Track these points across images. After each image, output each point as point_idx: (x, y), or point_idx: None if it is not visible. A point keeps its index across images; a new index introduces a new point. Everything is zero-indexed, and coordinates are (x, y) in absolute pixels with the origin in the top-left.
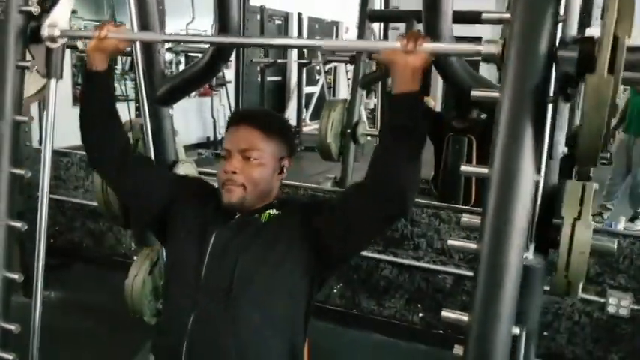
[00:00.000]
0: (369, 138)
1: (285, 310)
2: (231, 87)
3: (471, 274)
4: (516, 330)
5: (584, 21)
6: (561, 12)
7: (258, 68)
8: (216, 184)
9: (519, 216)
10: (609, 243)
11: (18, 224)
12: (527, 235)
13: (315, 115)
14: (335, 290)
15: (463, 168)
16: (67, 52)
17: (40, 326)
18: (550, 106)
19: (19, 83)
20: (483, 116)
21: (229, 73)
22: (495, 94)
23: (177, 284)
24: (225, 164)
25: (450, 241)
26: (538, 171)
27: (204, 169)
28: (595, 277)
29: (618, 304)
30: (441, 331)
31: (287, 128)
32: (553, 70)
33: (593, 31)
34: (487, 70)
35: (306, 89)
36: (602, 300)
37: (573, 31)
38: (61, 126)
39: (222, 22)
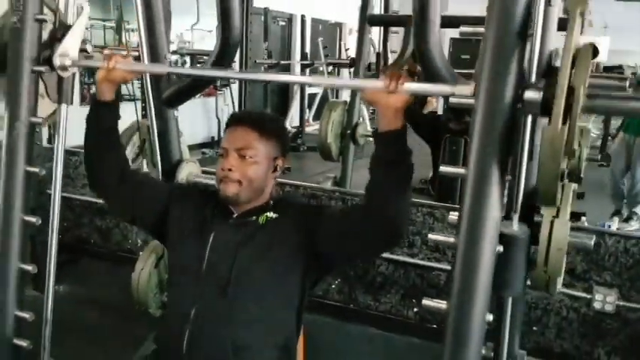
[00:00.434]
0: (369, 139)
1: (279, 306)
2: (235, 87)
3: None
4: (490, 317)
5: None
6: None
7: (262, 69)
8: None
9: (491, 213)
10: (586, 240)
11: (32, 219)
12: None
13: (318, 116)
14: (333, 286)
15: (442, 168)
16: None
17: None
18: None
19: (35, 86)
20: None
21: None
22: (471, 101)
23: (179, 279)
24: (222, 162)
25: (430, 235)
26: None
27: (208, 168)
28: (582, 274)
29: (604, 300)
30: (435, 326)
31: (281, 129)
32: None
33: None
34: None
35: (309, 90)
36: (589, 296)
37: (542, 66)
38: (69, 126)
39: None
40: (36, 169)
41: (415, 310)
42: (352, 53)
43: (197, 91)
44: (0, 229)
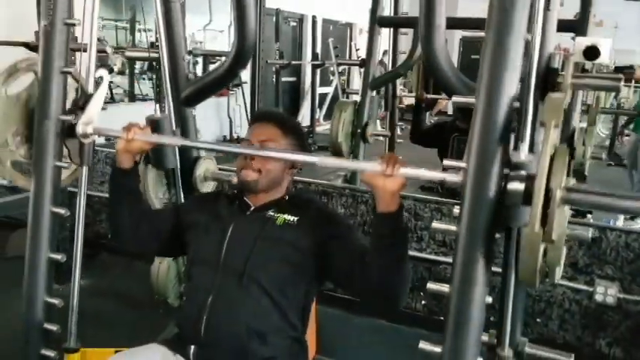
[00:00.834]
0: (380, 138)
1: (289, 298)
2: (247, 87)
3: None
4: (489, 299)
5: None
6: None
7: (274, 69)
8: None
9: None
10: (584, 232)
11: (61, 211)
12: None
13: (329, 115)
14: None
15: (445, 162)
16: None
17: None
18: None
19: (63, 86)
20: None
21: (245, 74)
22: (472, 100)
23: (198, 269)
24: None
25: (433, 224)
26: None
27: (221, 166)
28: (584, 267)
29: (605, 292)
30: (442, 318)
31: (300, 130)
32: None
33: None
34: None
35: (320, 90)
36: (591, 289)
37: (541, 68)
38: None
39: (241, 28)
40: (65, 164)
41: (423, 302)
42: (362, 53)
43: (214, 91)
44: (31, 220)
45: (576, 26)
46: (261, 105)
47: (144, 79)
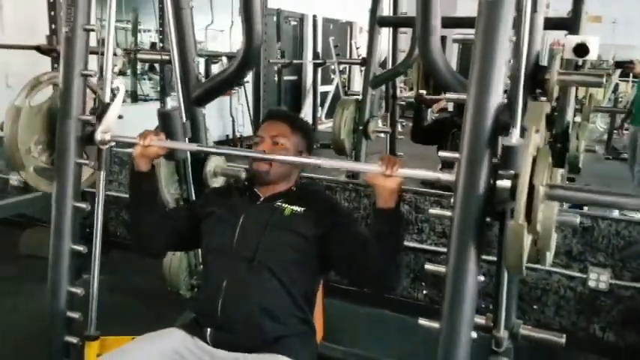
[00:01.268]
0: (381, 135)
1: (295, 282)
2: (249, 87)
3: None
4: (481, 277)
5: None
6: None
7: (276, 68)
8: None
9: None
10: (573, 218)
11: (83, 205)
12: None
13: (330, 114)
14: None
15: (440, 153)
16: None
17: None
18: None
19: (83, 88)
20: None
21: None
22: (463, 97)
23: (213, 256)
24: (257, 147)
25: (430, 210)
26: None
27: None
28: (578, 255)
29: (598, 279)
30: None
31: (309, 129)
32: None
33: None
34: None
35: (322, 88)
36: (584, 276)
37: (530, 66)
38: None
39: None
40: (86, 162)
41: (425, 292)
42: (362, 52)
43: (223, 91)
44: (55, 214)
45: (569, 24)
46: (264, 104)
47: (144, 79)
